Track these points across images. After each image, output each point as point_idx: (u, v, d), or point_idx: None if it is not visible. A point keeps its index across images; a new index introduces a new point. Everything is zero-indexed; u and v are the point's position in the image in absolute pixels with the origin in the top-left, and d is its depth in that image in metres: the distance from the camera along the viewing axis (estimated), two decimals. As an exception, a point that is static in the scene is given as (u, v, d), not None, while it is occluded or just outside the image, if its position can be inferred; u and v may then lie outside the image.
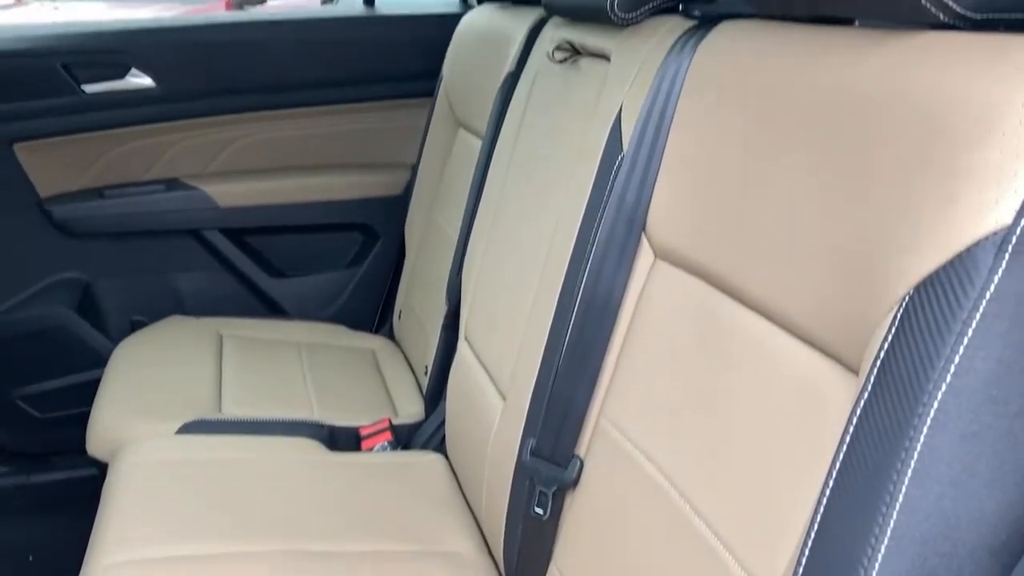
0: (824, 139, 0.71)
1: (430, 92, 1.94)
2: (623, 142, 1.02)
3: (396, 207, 2.02)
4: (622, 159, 1.01)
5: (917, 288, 0.58)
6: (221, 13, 5.99)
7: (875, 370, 0.59)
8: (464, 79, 1.77)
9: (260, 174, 2.03)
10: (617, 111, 1.05)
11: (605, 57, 1.16)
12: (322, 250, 2.10)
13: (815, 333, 0.69)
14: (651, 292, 0.95)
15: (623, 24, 1.13)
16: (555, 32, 1.36)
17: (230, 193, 1.98)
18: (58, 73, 1.82)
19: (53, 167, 1.89)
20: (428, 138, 1.92)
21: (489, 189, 1.46)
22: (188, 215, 1.96)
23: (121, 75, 1.89)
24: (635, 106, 1.01)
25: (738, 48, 0.88)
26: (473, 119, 1.69)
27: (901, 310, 0.59)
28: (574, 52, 1.25)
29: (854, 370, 0.65)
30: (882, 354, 0.59)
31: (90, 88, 1.86)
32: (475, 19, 1.81)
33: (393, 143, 2.10)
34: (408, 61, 2.04)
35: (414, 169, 1.98)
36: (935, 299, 0.56)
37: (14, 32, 1.90)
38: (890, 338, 0.59)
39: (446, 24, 1.90)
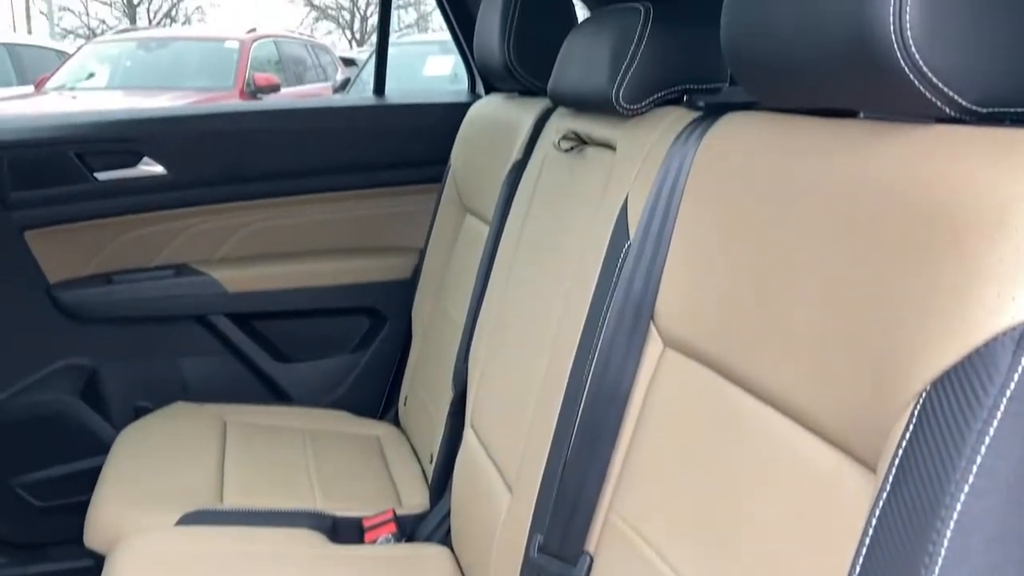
0: (831, 231, 0.70)
1: (438, 178, 1.96)
2: (630, 231, 1.02)
3: (404, 291, 2.03)
4: (629, 247, 1.00)
5: (934, 384, 0.56)
6: (233, 102, 6.17)
7: (893, 469, 0.57)
8: (472, 166, 1.80)
9: (268, 259, 2.04)
10: (623, 200, 1.06)
11: (611, 147, 1.17)
12: (328, 334, 2.10)
13: (830, 428, 0.68)
14: (661, 382, 0.93)
15: (628, 115, 1.14)
16: (561, 122, 1.38)
17: (238, 278, 1.99)
18: (71, 161, 1.85)
19: (63, 253, 1.90)
20: (436, 223, 1.94)
21: (496, 275, 1.46)
22: (196, 300, 1.97)
23: (133, 163, 1.91)
24: (641, 195, 1.02)
25: (743, 139, 0.89)
26: (480, 205, 1.70)
27: (918, 407, 0.57)
28: (580, 142, 1.26)
29: (871, 467, 0.63)
30: (900, 452, 0.58)
31: (103, 176, 1.89)
32: (483, 108, 1.85)
33: (401, 228, 2.12)
34: (417, 148, 2.08)
35: (422, 253, 1.99)
36: (953, 396, 0.55)
37: (29, 122, 1.94)
38: (908, 436, 0.57)
39: (455, 113, 1.94)
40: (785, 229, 0.76)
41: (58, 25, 18.92)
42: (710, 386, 0.85)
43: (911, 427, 0.57)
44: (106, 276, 1.93)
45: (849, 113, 0.78)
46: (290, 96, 7.05)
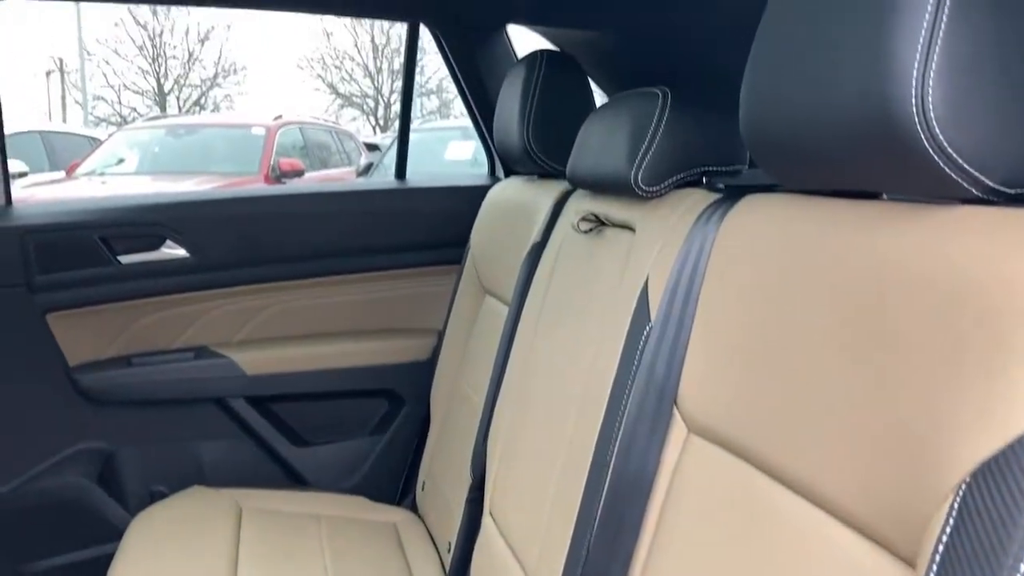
0: (858, 314, 0.69)
1: (457, 260, 1.97)
2: (651, 313, 1.01)
3: (422, 373, 2.01)
4: (650, 330, 0.99)
5: (974, 475, 0.54)
6: (255, 186, 6.28)
7: (935, 565, 0.54)
8: (491, 247, 1.80)
9: (287, 341, 2.03)
10: (644, 282, 1.05)
11: (630, 228, 1.17)
12: (346, 417, 2.08)
13: (863, 520, 0.64)
14: (685, 469, 0.90)
15: (647, 196, 1.14)
16: (580, 204, 1.38)
17: (257, 361, 1.98)
18: (96, 245, 1.87)
19: (84, 336, 1.91)
20: (455, 304, 1.93)
21: (515, 357, 1.45)
22: (214, 384, 1.96)
23: (156, 246, 1.93)
24: (662, 277, 1.00)
25: (765, 220, 0.88)
26: (499, 286, 1.70)
27: (958, 499, 0.54)
28: (599, 223, 1.26)
29: (910, 562, 0.59)
30: (941, 547, 0.54)
31: (125, 259, 1.91)
32: (502, 191, 1.86)
33: (420, 309, 2.11)
34: (437, 231, 2.09)
35: (440, 335, 1.98)
36: (995, 488, 0.52)
37: (56, 207, 1.98)
38: (948, 530, 0.54)
39: (474, 195, 1.95)
40: (810, 312, 0.75)
41: (92, 113, 19.51)
42: (737, 474, 0.82)
43: (951, 521, 0.54)
44: (126, 359, 1.93)
45: (871, 194, 0.77)
46: (314, 180, 7.18)
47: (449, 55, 2.10)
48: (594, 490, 0.99)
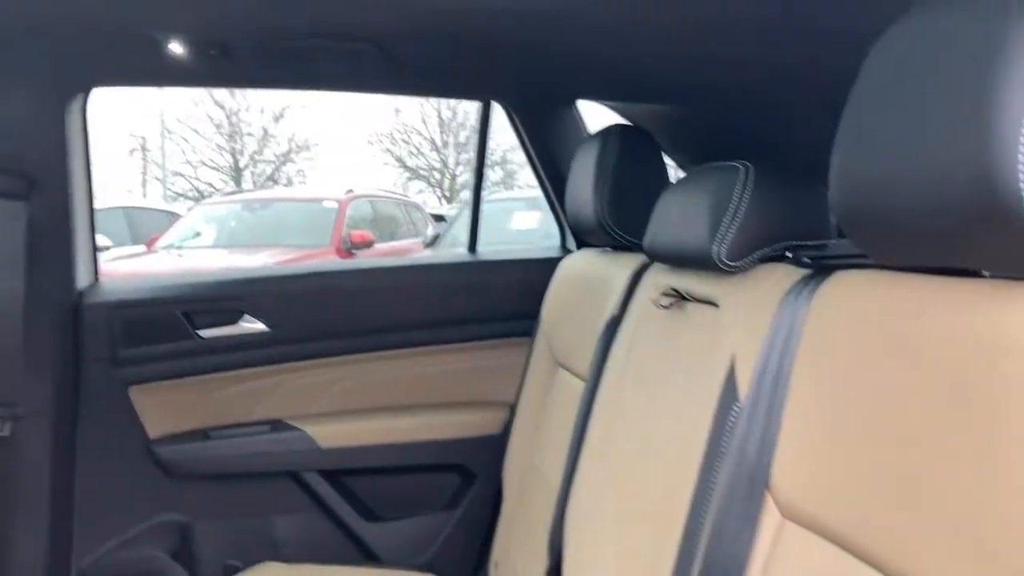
0: (966, 396, 0.65)
1: (529, 332, 1.96)
2: (739, 393, 0.98)
3: (494, 447, 1.99)
4: (739, 411, 0.96)
5: None
6: (329, 260, 6.41)
7: None
8: (564, 320, 1.79)
9: (360, 414, 2.04)
10: (730, 360, 1.02)
11: (713, 304, 1.14)
12: (418, 492, 2.06)
13: None
14: (780, 558, 0.86)
15: (730, 271, 1.12)
16: (658, 277, 1.36)
17: (330, 434, 1.99)
18: (178, 320, 1.92)
19: (163, 409, 1.95)
20: (527, 377, 1.92)
21: (592, 435, 1.42)
22: (289, 457, 1.97)
23: (235, 320, 1.97)
24: (749, 355, 0.98)
25: (859, 298, 0.85)
26: (573, 360, 1.68)
27: None
28: (680, 298, 1.24)
29: None
30: None
31: (205, 333, 1.95)
32: (575, 263, 1.85)
33: (491, 382, 2.10)
34: (508, 303, 2.09)
35: (512, 408, 1.96)
36: None
37: (141, 283, 2.04)
38: None
39: (546, 267, 1.95)
40: (909, 394, 0.71)
41: (170, 189, 20.32)
42: (837, 565, 0.78)
43: None
44: (204, 431, 1.96)
45: (973, 272, 0.74)
46: (383, 251, 7.31)
47: (520, 130, 2.13)
48: None
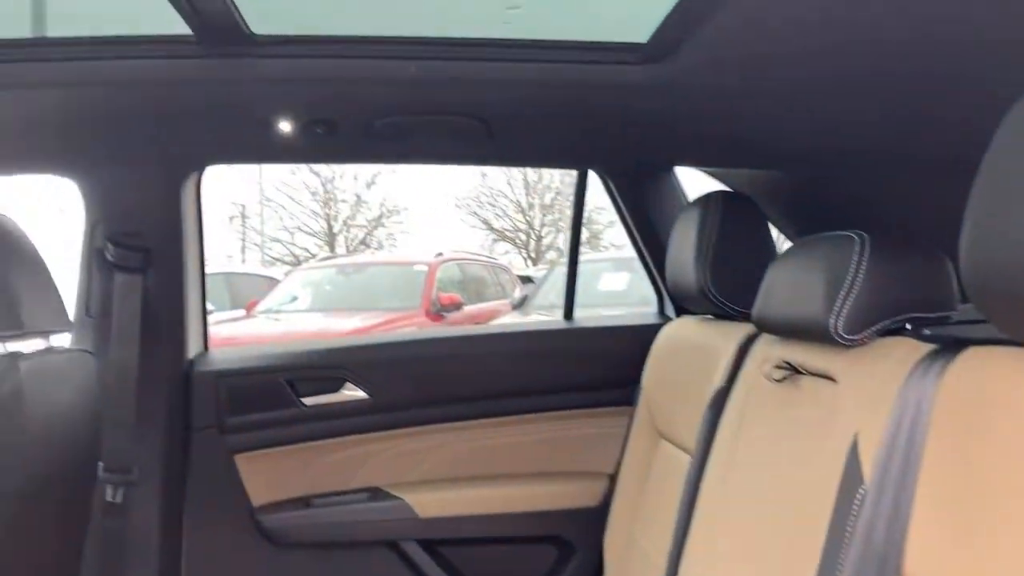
0: None
1: (627, 401, 1.92)
2: (863, 474, 0.93)
3: (593, 519, 1.94)
4: (865, 493, 0.91)
5: None
6: (430, 328, 6.49)
7: None
8: (666, 391, 1.75)
9: (458, 483, 2.03)
10: (852, 439, 0.97)
11: (830, 378, 1.10)
12: (515, 564, 2.03)
13: None
14: (917, 655, 0.81)
15: (848, 345, 1.08)
16: (768, 349, 1.32)
17: (429, 503, 1.98)
18: (283, 388, 1.96)
19: (267, 476, 1.97)
20: (628, 448, 1.88)
21: (701, 513, 1.37)
22: (388, 526, 1.96)
23: (336, 388, 2.00)
24: (874, 434, 0.93)
25: (996, 377, 0.80)
26: (677, 432, 1.64)
27: None
28: (794, 371, 1.20)
29: None
30: None
31: (309, 401, 1.99)
32: (677, 330, 1.82)
33: (590, 452, 2.07)
34: (606, 371, 2.06)
35: (612, 479, 1.92)
36: None
37: (247, 352, 2.09)
38: None
39: (644, 335, 1.92)
40: None
41: (268, 254, 21.04)
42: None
43: None
44: (305, 499, 1.97)
45: None
46: (472, 313, 7.37)
47: (616, 197, 2.13)
48: None
